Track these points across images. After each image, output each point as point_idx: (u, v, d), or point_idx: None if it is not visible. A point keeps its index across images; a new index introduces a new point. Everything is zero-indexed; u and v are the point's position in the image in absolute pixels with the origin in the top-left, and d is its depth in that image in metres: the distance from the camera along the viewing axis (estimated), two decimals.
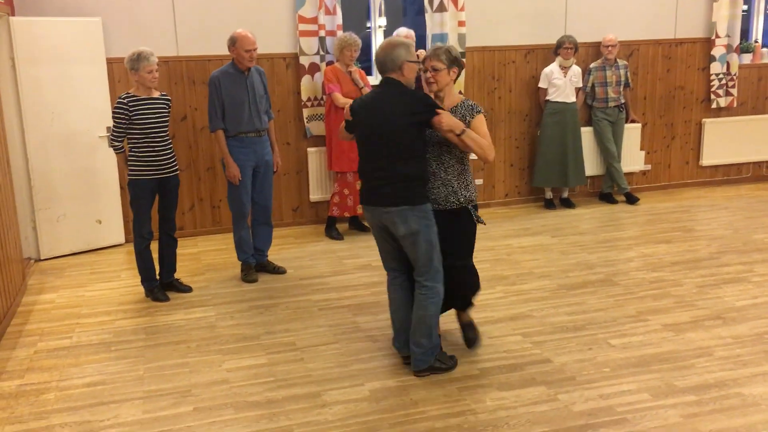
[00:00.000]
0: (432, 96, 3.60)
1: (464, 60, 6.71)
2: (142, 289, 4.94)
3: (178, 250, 5.10)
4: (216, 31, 6.04)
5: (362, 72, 6.17)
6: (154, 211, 4.81)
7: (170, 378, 3.71)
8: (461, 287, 3.81)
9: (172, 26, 6.05)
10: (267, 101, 5.21)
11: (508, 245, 5.91)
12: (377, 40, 6.81)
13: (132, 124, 4.60)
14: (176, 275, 5.07)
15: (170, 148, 4.76)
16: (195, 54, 6.13)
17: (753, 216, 6.49)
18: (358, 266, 5.46)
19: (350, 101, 5.96)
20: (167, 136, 4.76)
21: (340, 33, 6.27)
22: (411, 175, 3.45)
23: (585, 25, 7.03)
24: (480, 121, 3.55)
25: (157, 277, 4.94)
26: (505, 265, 5.40)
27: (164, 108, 4.73)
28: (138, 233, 4.78)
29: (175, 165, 4.82)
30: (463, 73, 6.72)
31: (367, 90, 6.07)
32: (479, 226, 3.76)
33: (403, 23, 6.80)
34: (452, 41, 6.60)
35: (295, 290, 4.98)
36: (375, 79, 6.68)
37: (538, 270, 5.25)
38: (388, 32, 6.61)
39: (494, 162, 7.13)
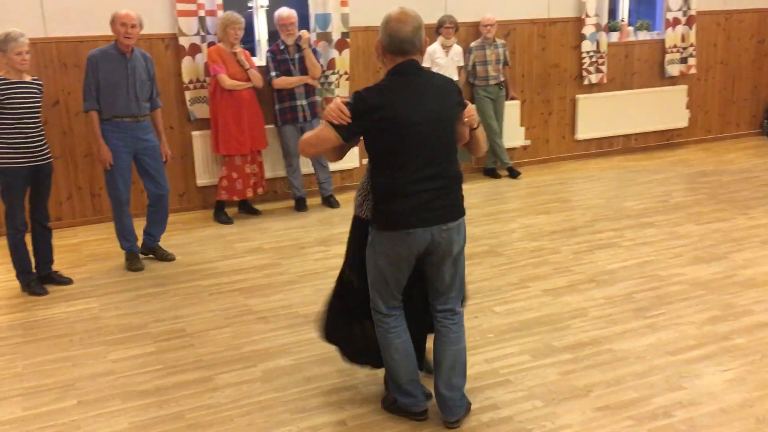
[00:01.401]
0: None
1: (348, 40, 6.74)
2: (17, 283, 4.69)
3: (56, 242, 4.87)
4: (87, 10, 5.76)
5: (247, 53, 6.07)
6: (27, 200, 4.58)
7: (51, 373, 3.57)
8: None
9: (38, 5, 5.71)
10: (152, 88, 5.04)
11: None
12: (260, 20, 6.71)
13: (2, 110, 4.34)
14: (55, 267, 4.84)
15: (43, 135, 4.54)
16: (65, 35, 5.82)
17: (623, 185, 6.92)
18: (248, 249, 5.41)
19: (237, 83, 5.90)
20: (40, 122, 4.52)
21: (220, 12, 6.13)
22: (461, 178, 2.87)
23: (464, 6, 7.20)
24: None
25: (34, 270, 4.70)
26: None
27: (37, 93, 4.50)
28: (11, 225, 4.52)
29: (48, 152, 4.59)
30: (347, 53, 6.75)
31: (254, 71, 5.99)
32: None
33: (285, 3, 6.72)
34: (335, 21, 6.60)
35: (184, 276, 4.88)
36: (259, 60, 6.59)
37: None
38: (270, 12, 6.53)
39: None
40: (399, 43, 2.71)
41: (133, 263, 5.05)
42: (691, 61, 8.23)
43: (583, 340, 3.74)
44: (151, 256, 5.23)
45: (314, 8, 6.60)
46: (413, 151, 2.71)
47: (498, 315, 4.09)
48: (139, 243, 5.19)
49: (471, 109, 2.87)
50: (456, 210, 2.84)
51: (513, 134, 7.66)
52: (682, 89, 8.38)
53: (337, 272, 4.72)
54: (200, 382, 3.43)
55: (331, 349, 3.69)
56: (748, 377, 3.28)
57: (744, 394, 3.13)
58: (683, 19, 8.08)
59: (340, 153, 2.91)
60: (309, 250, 5.35)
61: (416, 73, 2.77)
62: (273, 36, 6.56)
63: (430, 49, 6.91)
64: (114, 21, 4.77)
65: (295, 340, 3.85)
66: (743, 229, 5.42)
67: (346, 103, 2.73)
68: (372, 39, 6.94)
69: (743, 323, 3.83)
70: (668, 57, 8.15)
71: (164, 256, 5.22)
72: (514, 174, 7.43)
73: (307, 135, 2.82)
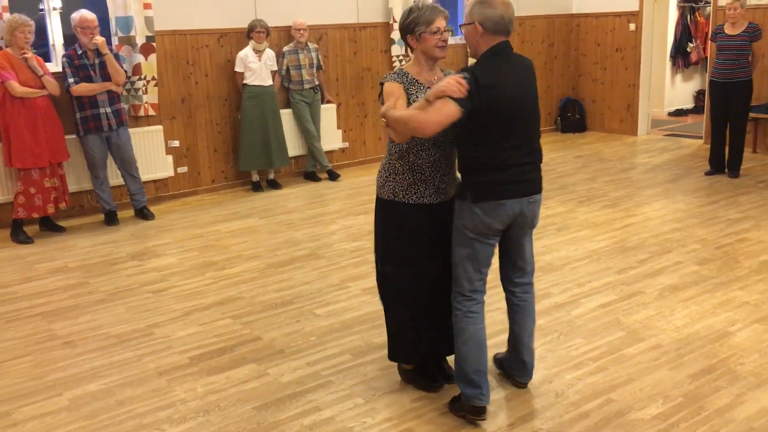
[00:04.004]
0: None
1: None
2: None
3: None
4: None
5: (39, 59, 5.63)
6: None
7: None
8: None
9: None
10: None
11: (217, 231, 5.88)
12: (54, 23, 6.24)
13: None
14: None
15: None
16: None
17: None
18: (52, 270, 5.02)
19: (30, 90, 5.45)
20: None
21: (7, 15, 5.63)
22: (541, 154, 3.03)
23: (275, 10, 7.18)
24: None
25: None
26: (214, 250, 5.37)
27: None
28: None
29: None
30: (154, 57, 6.48)
31: (48, 78, 5.57)
32: None
33: (82, 5, 6.32)
34: (138, 24, 6.31)
35: None
36: (55, 65, 6.14)
37: (247, 252, 5.31)
38: (65, 15, 6.10)
39: (198, 148, 7.03)
40: (506, 24, 2.83)
41: None
42: None
43: None
44: None
45: (114, 11, 6.26)
46: (518, 127, 2.86)
47: (320, 317, 4.12)
48: None
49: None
50: (540, 183, 3.01)
51: (331, 137, 7.76)
52: None
53: (155, 286, 4.54)
54: None
55: (147, 369, 3.55)
56: (547, 355, 3.56)
57: (544, 372, 3.39)
58: None
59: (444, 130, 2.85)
60: (121, 266, 5.06)
61: (512, 54, 2.91)
62: (69, 40, 6.14)
63: (241, 54, 6.82)
64: None
65: (106, 362, 3.63)
66: (541, 218, 5.87)
67: (464, 78, 2.73)
68: (180, 43, 6.72)
69: (543, 305, 4.15)
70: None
71: None
72: (333, 176, 7.53)
73: (428, 113, 2.72)
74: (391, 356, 3.30)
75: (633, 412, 3.02)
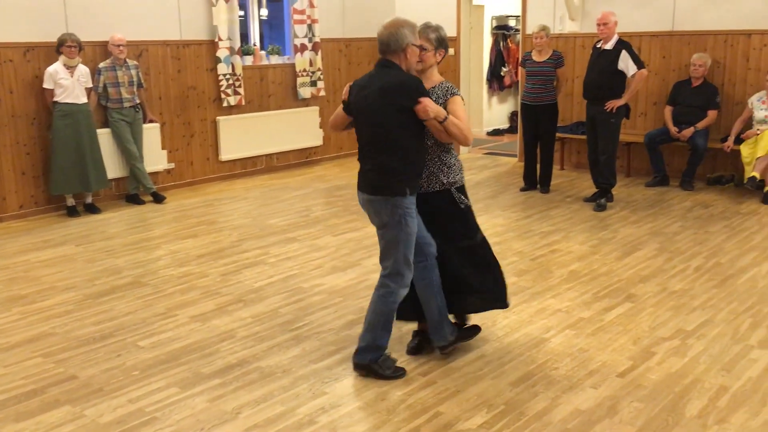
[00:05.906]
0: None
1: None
2: None
3: None
4: None
5: None
6: None
7: None
8: (462, 279, 3.66)
9: None
10: None
11: (26, 261, 5.40)
12: None
13: None
14: None
15: None
16: None
17: (268, 204, 7.16)
18: None
19: None
20: None
21: None
22: (390, 167, 3.33)
23: (88, 23, 6.77)
24: (456, 102, 3.44)
25: None
26: (23, 283, 4.92)
27: None
28: None
29: None
30: None
31: None
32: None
33: None
34: None
35: None
36: None
37: (61, 283, 4.91)
38: None
39: (3, 171, 6.42)
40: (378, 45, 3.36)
41: None
42: (320, 84, 8.88)
43: (231, 362, 3.73)
44: None
45: None
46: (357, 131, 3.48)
47: (143, 350, 3.89)
48: None
49: (424, 104, 3.25)
50: (372, 187, 3.39)
51: (155, 158, 7.43)
52: (314, 110, 9.00)
53: None
54: None
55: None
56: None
57: (376, 389, 3.43)
58: (309, 45, 8.68)
59: None
60: None
61: (377, 68, 3.39)
62: None
63: (51, 69, 6.36)
64: None
65: None
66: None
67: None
68: None
69: None
70: (299, 80, 8.68)
71: None
72: (158, 199, 7.20)
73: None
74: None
75: (460, 423, 3.13)
